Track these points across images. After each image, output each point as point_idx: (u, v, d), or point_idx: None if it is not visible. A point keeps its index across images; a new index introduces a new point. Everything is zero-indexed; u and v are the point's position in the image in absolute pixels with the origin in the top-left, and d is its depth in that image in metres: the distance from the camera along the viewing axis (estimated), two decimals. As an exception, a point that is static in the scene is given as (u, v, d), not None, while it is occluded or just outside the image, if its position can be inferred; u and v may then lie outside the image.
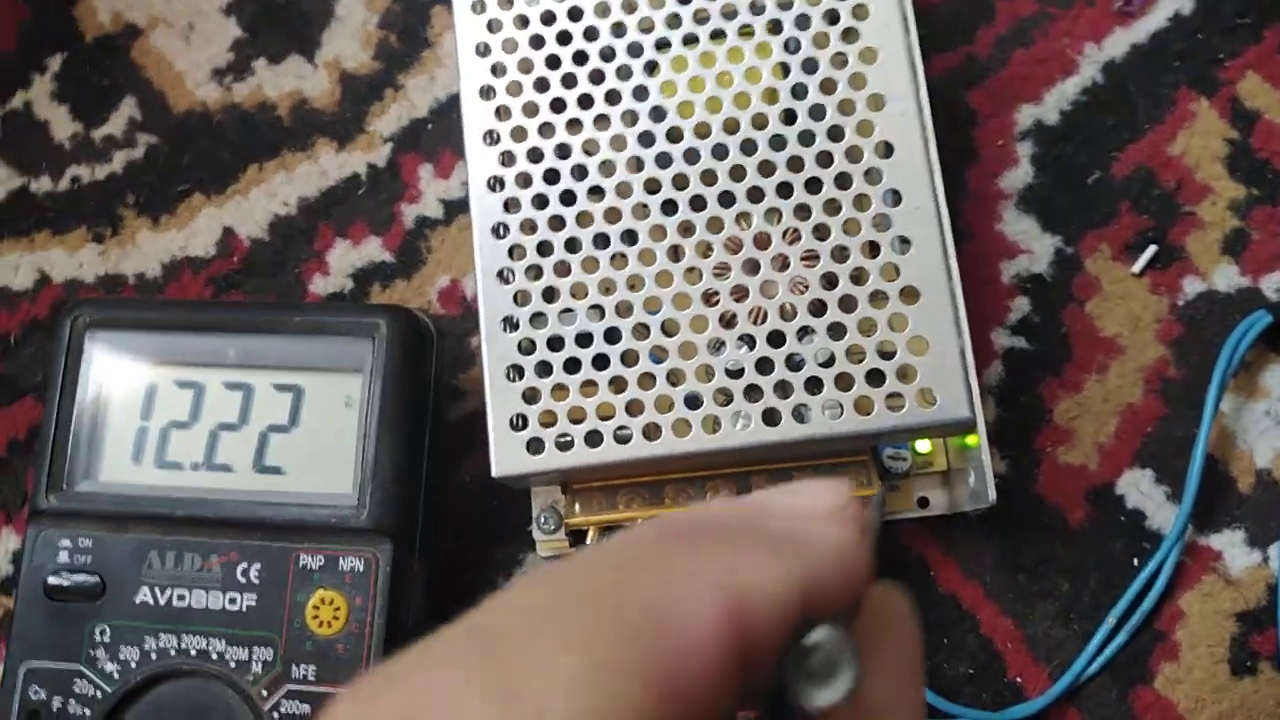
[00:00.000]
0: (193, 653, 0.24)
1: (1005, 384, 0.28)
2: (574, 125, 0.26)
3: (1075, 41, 0.30)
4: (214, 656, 0.24)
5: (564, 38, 0.26)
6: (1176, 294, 0.28)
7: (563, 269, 0.25)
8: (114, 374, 0.26)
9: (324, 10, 0.33)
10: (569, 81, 0.26)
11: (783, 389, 0.24)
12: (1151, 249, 0.29)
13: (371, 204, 0.31)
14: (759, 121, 0.25)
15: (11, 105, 0.34)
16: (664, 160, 0.25)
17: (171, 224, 0.32)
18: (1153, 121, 0.29)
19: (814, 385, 0.24)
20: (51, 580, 0.25)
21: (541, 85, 0.26)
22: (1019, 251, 0.29)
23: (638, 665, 0.10)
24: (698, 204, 0.25)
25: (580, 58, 0.26)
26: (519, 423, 0.24)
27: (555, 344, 0.25)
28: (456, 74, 0.27)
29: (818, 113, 0.25)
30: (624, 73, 0.26)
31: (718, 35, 0.26)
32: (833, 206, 0.25)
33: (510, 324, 0.25)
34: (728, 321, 0.24)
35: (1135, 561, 0.27)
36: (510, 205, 0.25)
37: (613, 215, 0.25)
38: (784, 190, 0.25)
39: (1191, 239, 0.29)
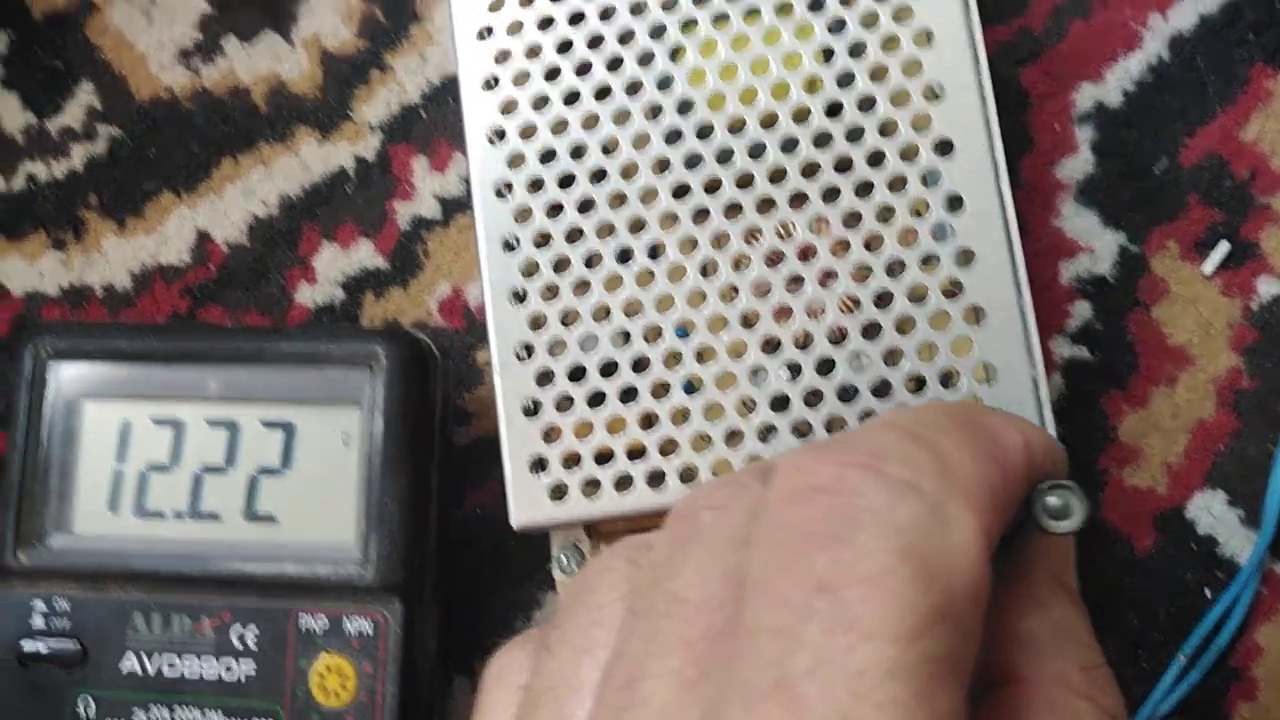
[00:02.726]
0: (186, 725, 0.22)
1: (1065, 398, 0.26)
2: (590, 121, 0.23)
3: (1138, 12, 0.27)
4: (210, 729, 0.22)
5: (576, 18, 0.23)
6: (1250, 296, 0.26)
7: (582, 288, 0.22)
8: (83, 411, 0.24)
9: (300, -18, 0.30)
10: (583, 69, 0.23)
11: (834, 424, 0.21)
12: (1224, 247, 0.26)
13: (361, 202, 0.28)
14: (800, 115, 0.22)
15: (-46, 94, 0.30)
16: (693, 161, 0.22)
17: (139, 228, 0.29)
18: (1224, 103, 0.26)
19: (869, 418, 0.21)
20: (26, 646, 0.22)
21: (552, 74, 0.23)
22: (1079, 250, 0.26)
23: (992, 456, 0.15)
24: (732, 211, 0.22)
25: (596, 41, 0.23)
26: (539, 465, 0.22)
27: (577, 375, 0.22)
28: (454, 59, 0.24)
29: (867, 105, 0.22)
30: (645, 59, 0.23)
31: (751, 14, 0.23)
32: (886, 213, 0.22)
33: (526, 352, 0.22)
34: (770, 346, 0.22)
35: (1208, 593, 0.25)
36: (521, 215, 0.23)
37: (637, 225, 0.22)
38: (830, 195, 0.22)
39: (1267, 235, 0.26)
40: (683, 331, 0.22)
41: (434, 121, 0.29)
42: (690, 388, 0.22)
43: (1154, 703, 0.24)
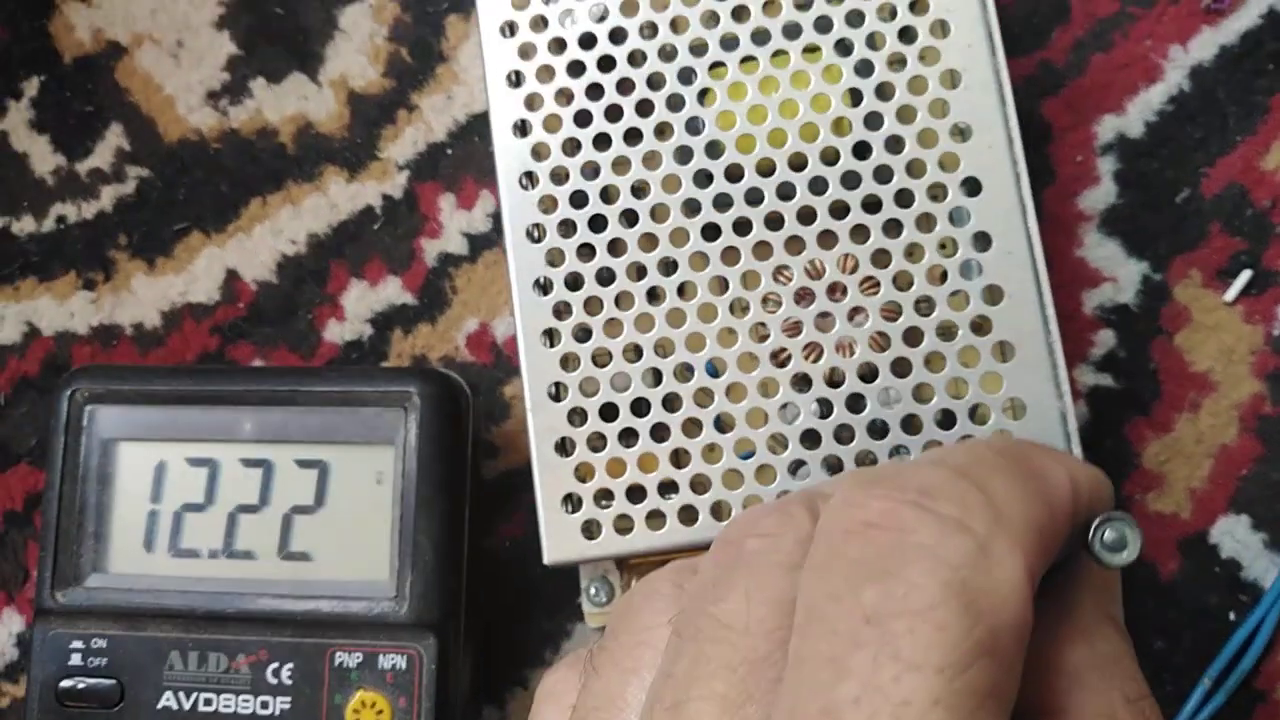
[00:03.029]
0: (224, 762, 0.22)
1: (1090, 425, 0.26)
2: (620, 164, 0.23)
3: (1159, 44, 0.27)
4: (247, 767, 0.22)
5: (606, 63, 0.23)
6: (1272, 323, 0.26)
7: (614, 328, 0.23)
8: (119, 453, 0.24)
9: (326, 22, 0.30)
10: (613, 114, 0.23)
11: (864, 459, 0.22)
12: (1246, 274, 0.26)
13: (388, 240, 0.29)
14: (829, 156, 0.23)
15: (-14, 136, 0.31)
16: (723, 202, 0.23)
17: (169, 267, 0.29)
18: (1245, 133, 0.27)
19: (900, 454, 0.22)
20: (64, 684, 0.23)
21: (583, 119, 0.23)
22: (1102, 279, 0.27)
23: (1039, 494, 0.15)
24: (762, 251, 0.22)
25: (625, 86, 0.23)
26: (572, 503, 0.22)
27: (609, 413, 0.22)
28: (486, 103, 0.24)
29: (895, 145, 0.22)
30: (675, 103, 0.23)
31: (779, 57, 0.23)
32: (914, 252, 0.22)
33: (559, 391, 0.22)
34: (800, 383, 0.22)
35: (1231, 616, 0.25)
36: (553, 257, 0.23)
37: (667, 266, 0.23)
38: (859, 234, 0.22)
39: (1288, 262, 0.26)
40: (713, 369, 0.22)
41: (460, 159, 0.29)
42: (721, 425, 0.22)
43: (1184, 731, 0.24)
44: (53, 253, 0.30)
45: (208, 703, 0.22)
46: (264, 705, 0.22)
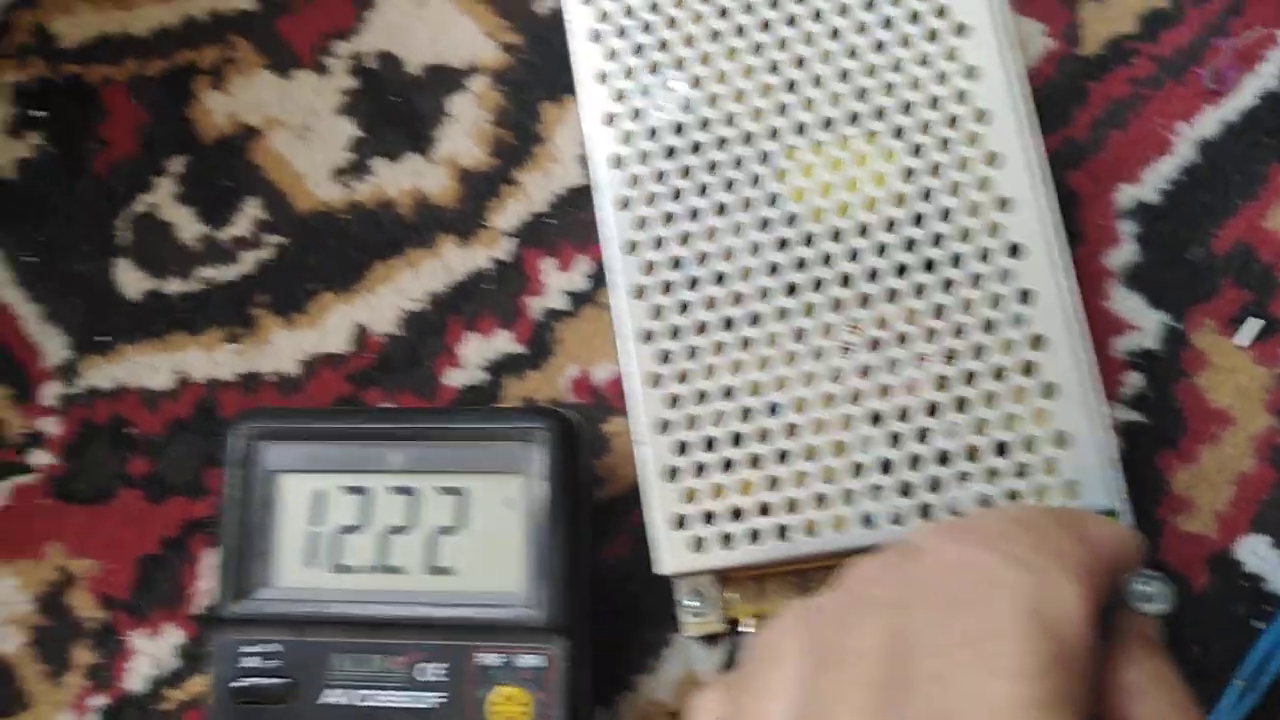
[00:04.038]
0: (385, 751, 0.26)
1: (1125, 457, 0.30)
2: (710, 233, 0.27)
3: (1168, 121, 0.31)
4: (406, 754, 0.25)
5: (694, 148, 0.28)
6: (1281, 364, 0.30)
7: (710, 373, 0.26)
8: (283, 483, 0.28)
9: (437, 108, 0.35)
10: (702, 190, 0.27)
11: (933, 484, 0.25)
12: (1257, 322, 0.30)
13: (499, 297, 0.33)
14: (889, 224, 0.27)
15: (138, 208, 0.35)
16: (799, 264, 0.27)
17: (304, 322, 0.34)
18: (1247, 197, 0.31)
19: (965, 480, 0.25)
20: (239, 684, 0.26)
21: (676, 195, 0.27)
22: (1128, 328, 0.30)
23: (1083, 541, 0.20)
24: (836, 305, 0.26)
25: (712, 167, 0.27)
26: (681, 522, 0.26)
27: (709, 445, 0.26)
28: (585, 177, 0.28)
29: (945, 215, 0.26)
30: (754, 180, 0.27)
31: (843, 141, 0.27)
32: (968, 305, 0.26)
33: (664, 427, 0.26)
34: (873, 419, 0.26)
35: (1258, 623, 0.28)
36: (655, 313, 0.27)
37: (754, 319, 0.27)
38: (919, 290, 0.26)
39: (1292, 310, 0.30)
40: (796, 407, 0.26)
41: (559, 228, 0.33)
42: (807, 454, 0.26)
43: (1217, 723, 0.27)
44: (199, 310, 0.34)
45: (366, 698, 0.26)
46: (417, 700, 0.26)
